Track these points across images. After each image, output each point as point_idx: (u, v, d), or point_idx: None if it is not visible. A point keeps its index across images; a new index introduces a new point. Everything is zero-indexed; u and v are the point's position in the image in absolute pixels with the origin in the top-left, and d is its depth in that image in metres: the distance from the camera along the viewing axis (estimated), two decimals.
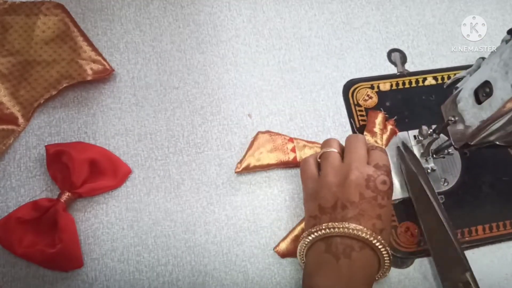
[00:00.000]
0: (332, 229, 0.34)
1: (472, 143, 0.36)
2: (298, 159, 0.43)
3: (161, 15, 0.50)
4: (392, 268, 0.41)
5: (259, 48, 0.49)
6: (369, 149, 0.39)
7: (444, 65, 0.50)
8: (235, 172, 0.43)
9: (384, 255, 0.34)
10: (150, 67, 0.47)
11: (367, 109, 0.47)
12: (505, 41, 0.35)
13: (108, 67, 0.45)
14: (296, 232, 0.41)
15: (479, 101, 0.35)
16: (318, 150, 0.43)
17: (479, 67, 0.38)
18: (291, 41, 0.50)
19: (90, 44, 0.46)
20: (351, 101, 0.47)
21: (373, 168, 0.36)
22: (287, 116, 0.46)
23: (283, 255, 0.40)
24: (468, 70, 0.42)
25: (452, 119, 0.38)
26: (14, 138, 0.43)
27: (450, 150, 0.42)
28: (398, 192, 0.43)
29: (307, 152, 0.44)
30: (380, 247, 0.33)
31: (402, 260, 0.41)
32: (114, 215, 0.41)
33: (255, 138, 0.44)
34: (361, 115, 0.47)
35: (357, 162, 0.36)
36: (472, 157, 0.45)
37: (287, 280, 0.40)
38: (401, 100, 0.48)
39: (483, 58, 0.39)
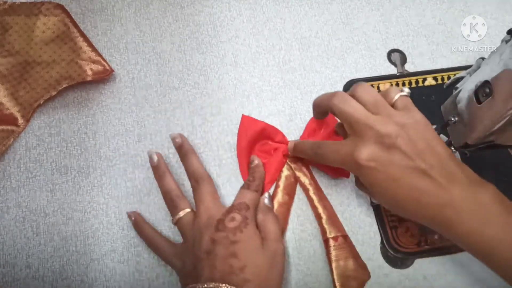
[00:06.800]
0: None
1: (472, 143, 0.36)
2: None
3: (161, 16, 0.50)
4: (392, 269, 0.41)
5: (259, 48, 0.49)
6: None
7: (444, 65, 0.50)
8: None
9: None
10: (150, 67, 0.47)
11: None
12: (505, 41, 0.35)
13: (108, 67, 0.45)
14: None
15: (479, 101, 0.35)
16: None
17: (479, 67, 0.38)
18: (291, 42, 0.50)
19: (90, 44, 0.46)
20: None
21: (223, 211, 0.35)
22: (287, 116, 0.46)
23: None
24: (468, 70, 0.42)
25: (452, 119, 0.38)
26: (13, 138, 0.43)
27: (452, 149, 0.42)
28: None
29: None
30: None
31: (402, 260, 0.41)
32: (114, 216, 0.41)
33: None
34: None
35: (205, 213, 0.36)
36: (472, 157, 0.45)
37: (287, 280, 0.40)
38: None
39: (483, 58, 0.39)
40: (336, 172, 0.42)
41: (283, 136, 0.44)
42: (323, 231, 0.41)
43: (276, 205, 0.41)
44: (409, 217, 0.34)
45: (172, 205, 0.38)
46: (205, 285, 0.30)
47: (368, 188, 0.35)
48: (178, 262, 0.36)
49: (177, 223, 0.38)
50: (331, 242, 0.40)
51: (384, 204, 0.36)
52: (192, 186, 0.40)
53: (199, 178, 0.39)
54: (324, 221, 0.41)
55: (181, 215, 0.37)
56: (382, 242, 0.42)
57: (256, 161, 0.42)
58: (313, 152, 0.39)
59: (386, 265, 0.41)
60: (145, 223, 0.40)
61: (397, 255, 0.41)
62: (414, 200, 0.32)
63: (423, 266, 0.41)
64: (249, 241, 0.33)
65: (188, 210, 0.37)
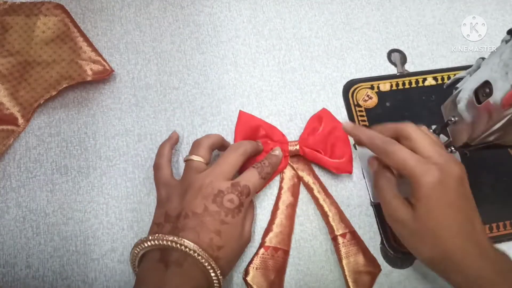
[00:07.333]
0: (168, 242, 0.32)
1: (472, 143, 0.36)
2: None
3: (161, 16, 0.50)
4: (392, 269, 0.41)
5: (259, 48, 0.49)
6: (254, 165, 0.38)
7: (444, 65, 0.50)
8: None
9: (212, 276, 0.32)
10: (150, 67, 0.47)
11: (367, 109, 0.47)
12: (505, 41, 0.35)
13: (108, 67, 0.45)
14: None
15: (479, 101, 0.35)
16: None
17: (479, 67, 0.38)
18: (291, 42, 0.50)
19: (90, 44, 0.46)
20: (351, 101, 0.47)
21: (228, 185, 0.35)
22: (287, 116, 0.46)
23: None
24: (468, 70, 0.42)
25: (452, 119, 0.38)
26: (14, 138, 0.43)
27: (452, 149, 0.42)
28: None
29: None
30: (208, 267, 0.32)
31: (402, 260, 0.41)
32: (114, 216, 0.41)
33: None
34: (361, 116, 0.47)
35: (215, 175, 0.36)
36: (472, 157, 0.45)
37: (287, 280, 0.40)
38: (401, 101, 0.48)
39: (483, 58, 0.39)
40: (339, 168, 0.42)
41: (283, 135, 0.44)
42: (331, 229, 0.41)
43: (282, 207, 0.41)
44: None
45: (194, 146, 0.39)
46: (189, 244, 0.32)
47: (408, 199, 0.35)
48: (164, 192, 0.38)
49: (186, 161, 0.39)
50: (340, 240, 0.40)
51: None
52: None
53: (240, 145, 0.39)
54: (331, 219, 0.41)
55: (193, 158, 0.38)
56: (382, 242, 0.42)
57: (277, 151, 0.41)
58: (381, 142, 0.36)
59: (386, 265, 0.41)
60: (171, 145, 0.42)
61: (397, 255, 0.41)
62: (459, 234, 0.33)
63: (423, 266, 0.41)
64: (235, 228, 0.35)
65: (201, 160, 0.38)
